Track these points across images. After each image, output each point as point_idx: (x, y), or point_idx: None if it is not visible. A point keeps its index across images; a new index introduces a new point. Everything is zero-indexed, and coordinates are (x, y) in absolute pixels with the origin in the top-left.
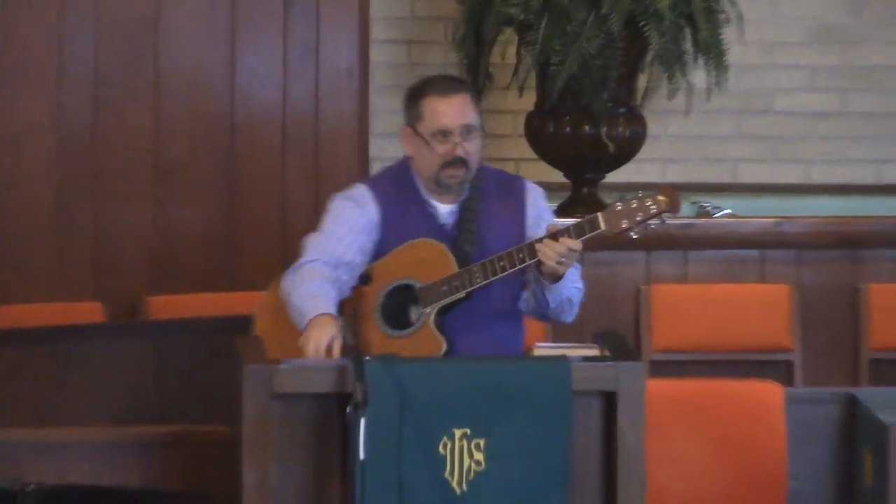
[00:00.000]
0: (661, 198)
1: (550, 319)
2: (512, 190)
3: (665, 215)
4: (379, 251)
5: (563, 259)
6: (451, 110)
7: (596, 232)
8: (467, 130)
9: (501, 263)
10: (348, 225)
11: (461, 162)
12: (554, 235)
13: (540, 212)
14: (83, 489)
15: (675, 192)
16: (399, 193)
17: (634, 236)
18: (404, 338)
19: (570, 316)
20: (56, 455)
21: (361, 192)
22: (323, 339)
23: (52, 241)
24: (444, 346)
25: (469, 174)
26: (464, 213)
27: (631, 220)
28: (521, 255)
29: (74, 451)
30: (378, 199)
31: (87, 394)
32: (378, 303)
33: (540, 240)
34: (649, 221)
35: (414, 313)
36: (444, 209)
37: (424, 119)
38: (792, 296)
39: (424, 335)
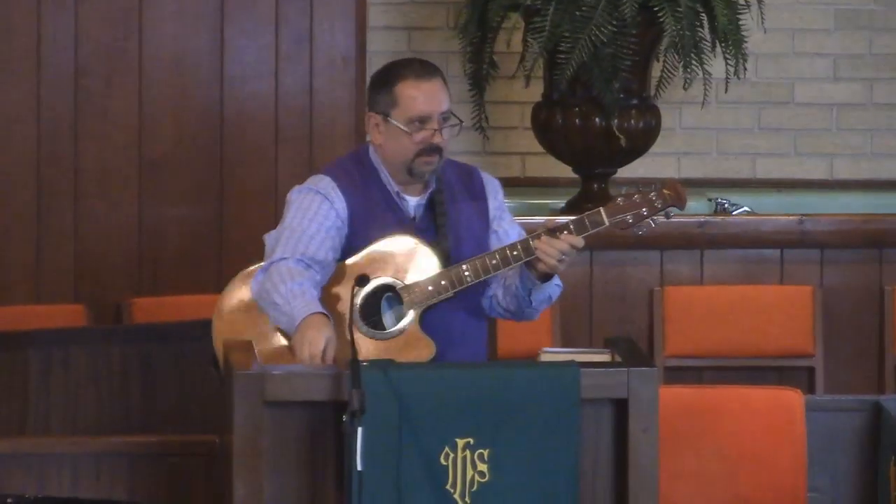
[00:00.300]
0: (665, 191)
1: (519, 318)
2: (473, 181)
3: (671, 210)
4: (347, 248)
5: (563, 257)
6: (429, 96)
7: (598, 228)
8: (444, 118)
9: (493, 262)
10: (318, 220)
11: (437, 150)
12: (553, 232)
13: (500, 205)
14: (65, 502)
15: (680, 185)
16: (364, 185)
17: (639, 233)
18: (389, 339)
19: (538, 314)
20: (36, 466)
21: (326, 184)
22: (318, 340)
23: (31, 241)
24: (434, 350)
25: (441, 163)
26: (433, 207)
27: (635, 216)
28: (514, 253)
29: (55, 462)
30: (344, 192)
31: (69, 401)
32: (358, 303)
33: (537, 236)
34: (654, 217)
35: (392, 315)
36: (412, 201)
37: (399, 105)
38: (814, 298)
39: (412, 337)
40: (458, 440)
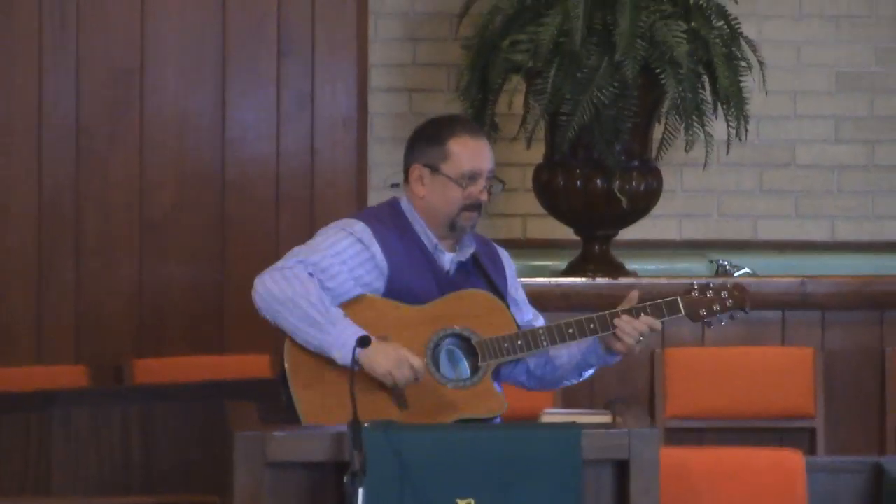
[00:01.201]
0: (735, 293)
1: (541, 388)
2: (491, 249)
3: (737, 313)
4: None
5: (641, 338)
6: (480, 153)
7: (674, 316)
8: (490, 176)
9: (570, 331)
10: (344, 260)
11: (480, 206)
12: (631, 311)
13: (514, 273)
14: None
15: (746, 288)
16: (399, 235)
17: (709, 327)
18: (462, 389)
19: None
20: None
21: (362, 229)
22: (416, 360)
23: (32, 300)
24: (505, 406)
25: (477, 220)
26: (475, 265)
27: (709, 311)
28: (591, 326)
29: None
30: (380, 240)
31: (70, 462)
32: (430, 347)
33: (615, 314)
34: (723, 314)
35: (461, 366)
36: (448, 256)
37: (452, 158)
38: (815, 360)
39: (485, 390)
40: (459, 501)
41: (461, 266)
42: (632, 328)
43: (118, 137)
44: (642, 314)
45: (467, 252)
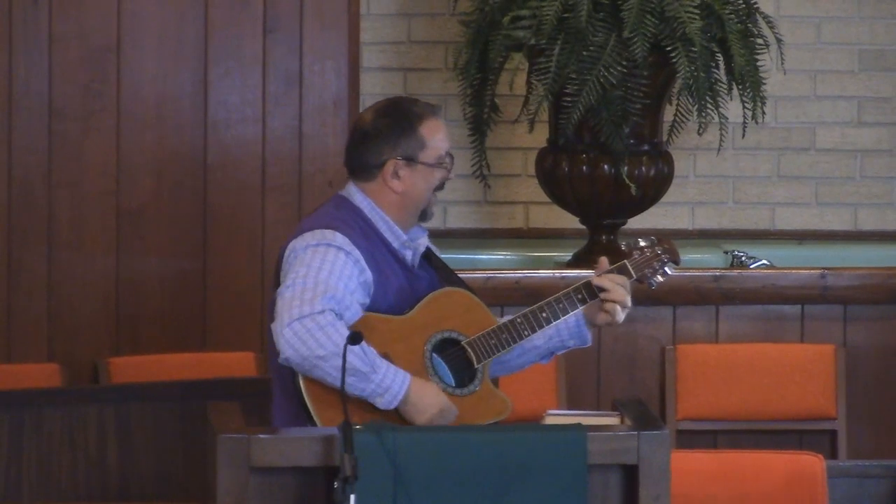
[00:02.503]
0: (665, 245)
1: (511, 372)
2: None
3: (670, 267)
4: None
5: (628, 305)
6: (445, 131)
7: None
8: None
9: (544, 314)
10: (347, 284)
11: (443, 187)
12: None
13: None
14: None
15: (671, 241)
16: (366, 238)
17: (653, 287)
18: (466, 396)
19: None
20: None
21: (342, 239)
22: (452, 408)
23: (1, 295)
24: (510, 407)
25: None
26: (430, 255)
27: (652, 270)
28: (579, 296)
29: None
30: (359, 248)
31: (43, 467)
32: (427, 357)
33: (585, 286)
34: (661, 269)
35: (451, 371)
36: (410, 252)
37: (428, 144)
38: (836, 357)
39: (487, 394)
40: None
41: (430, 257)
42: (623, 289)
43: (93, 121)
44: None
45: (423, 242)
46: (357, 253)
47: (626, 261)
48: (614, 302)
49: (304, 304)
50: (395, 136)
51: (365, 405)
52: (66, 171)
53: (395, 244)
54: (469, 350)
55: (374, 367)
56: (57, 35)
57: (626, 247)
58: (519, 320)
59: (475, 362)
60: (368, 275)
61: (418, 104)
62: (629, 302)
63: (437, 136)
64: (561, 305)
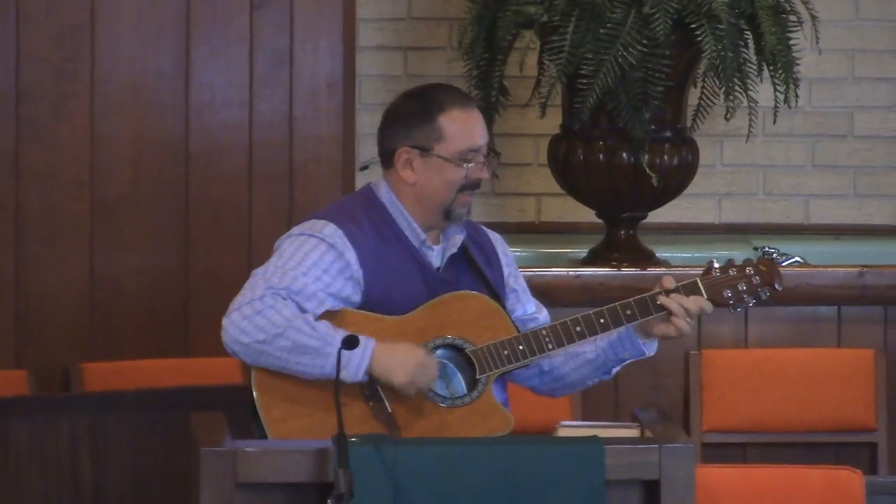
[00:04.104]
0: (762, 268)
1: (568, 392)
2: (480, 235)
3: (767, 290)
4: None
5: (689, 320)
6: (477, 124)
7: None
8: (487, 150)
9: (578, 329)
10: (318, 276)
11: (478, 186)
12: (677, 290)
13: (511, 261)
14: None
15: (773, 264)
16: (379, 235)
17: (737, 311)
18: (459, 407)
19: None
20: None
21: (333, 232)
22: (431, 363)
23: None
24: (512, 423)
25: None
26: (465, 256)
27: (735, 292)
28: (628, 313)
29: None
30: (354, 243)
31: (9, 482)
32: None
33: (656, 294)
34: (752, 295)
35: (455, 381)
36: (436, 251)
37: (446, 136)
38: (877, 363)
39: (486, 407)
40: None
41: (451, 259)
42: (679, 306)
43: (65, 105)
44: (690, 295)
45: (457, 242)
46: (351, 253)
47: (698, 279)
48: (670, 322)
49: (246, 293)
50: (412, 123)
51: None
52: (36, 159)
53: (416, 243)
54: (473, 359)
55: (326, 339)
56: (25, 11)
57: (713, 263)
58: (544, 332)
59: (477, 372)
60: (357, 271)
61: (447, 92)
62: (691, 326)
63: (461, 129)
64: (602, 321)
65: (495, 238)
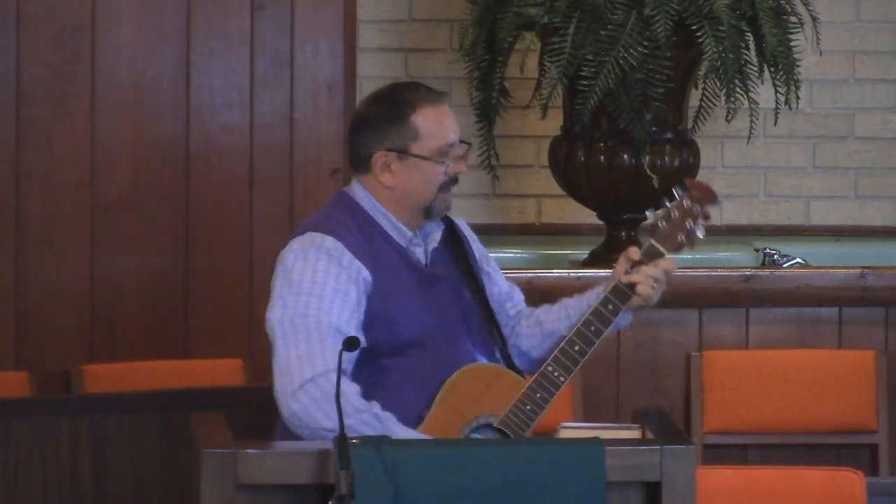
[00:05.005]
0: (695, 193)
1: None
2: (449, 223)
3: (707, 210)
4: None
5: (655, 284)
6: (450, 120)
7: (658, 258)
8: (459, 143)
9: (577, 348)
10: (341, 296)
11: (456, 182)
12: (636, 265)
13: (481, 247)
14: None
15: (700, 183)
16: (367, 240)
17: (693, 246)
18: None
19: None
20: None
21: (333, 245)
22: None
23: None
24: None
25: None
26: (444, 247)
27: (686, 231)
28: (609, 307)
29: None
30: (357, 254)
31: (10, 484)
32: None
33: (615, 292)
34: (696, 226)
35: None
36: (421, 249)
37: (422, 134)
38: (878, 364)
39: None
40: None
41: (434, 253)
42: (646, 277)
43: (65, 105)
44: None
45: (437, 237)
46: (349, 258)
47: (651, 240)
48: (644, 295)
49: (304, 364)
50: (385, 125)
51: None
52: (36, 160)
53: (402, 242)
54: (505, 430)
55: (387, 431)
56: (25, 11)
57: (652, 217)
58: (551, 368)
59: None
60: (365, 274)
61: (418, 90)
62: (659, 292)
63: (436, 126)
64: (593, 328)
65: (461, 223)
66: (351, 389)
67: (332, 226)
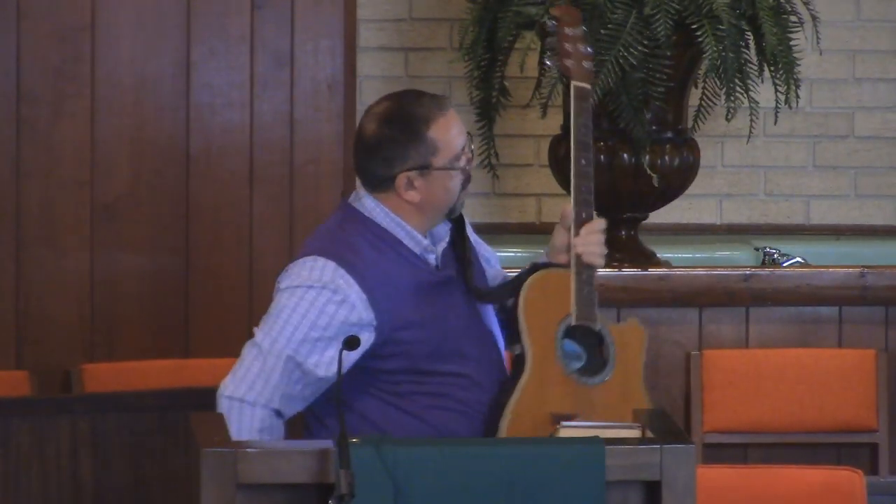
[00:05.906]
0: (563, 17)
1: None
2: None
3: (571, 30)
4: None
5: (596, 248)
6: (458, 123)
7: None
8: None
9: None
10: (318, 329)
11: (471, 177)
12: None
13: (481, 244)
14: None
15: (563, 6)
16: (380, 253)
17: (592, 70)
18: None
19: None
20: None
21: (331, 273)
22: None
23: None
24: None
25: None
26: (452, 248)
27: (583, 56)
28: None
29: None
30: (357, 276)
31: (10, 483)
32: (559, 346)
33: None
34: (582, 47)
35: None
36: (432, 256)
37: (440, 147)
38: (878, 363)
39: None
40: None
41: (444, 253)
42: (594, 246)
43: (65, 105)
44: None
45: (446, 235)
46: (354, 298)
47: (573, 84)
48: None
49: (241, 382)
50: (403, 146)
51: None
52: (36, 160)
53: (417, 251)
54: (581, 323)
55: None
56: (25, 11)
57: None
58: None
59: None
60: (368, 315)
61: (423, 102)
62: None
63: (450, 134)
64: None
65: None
66: (257, 426)
67: (342, 251)
